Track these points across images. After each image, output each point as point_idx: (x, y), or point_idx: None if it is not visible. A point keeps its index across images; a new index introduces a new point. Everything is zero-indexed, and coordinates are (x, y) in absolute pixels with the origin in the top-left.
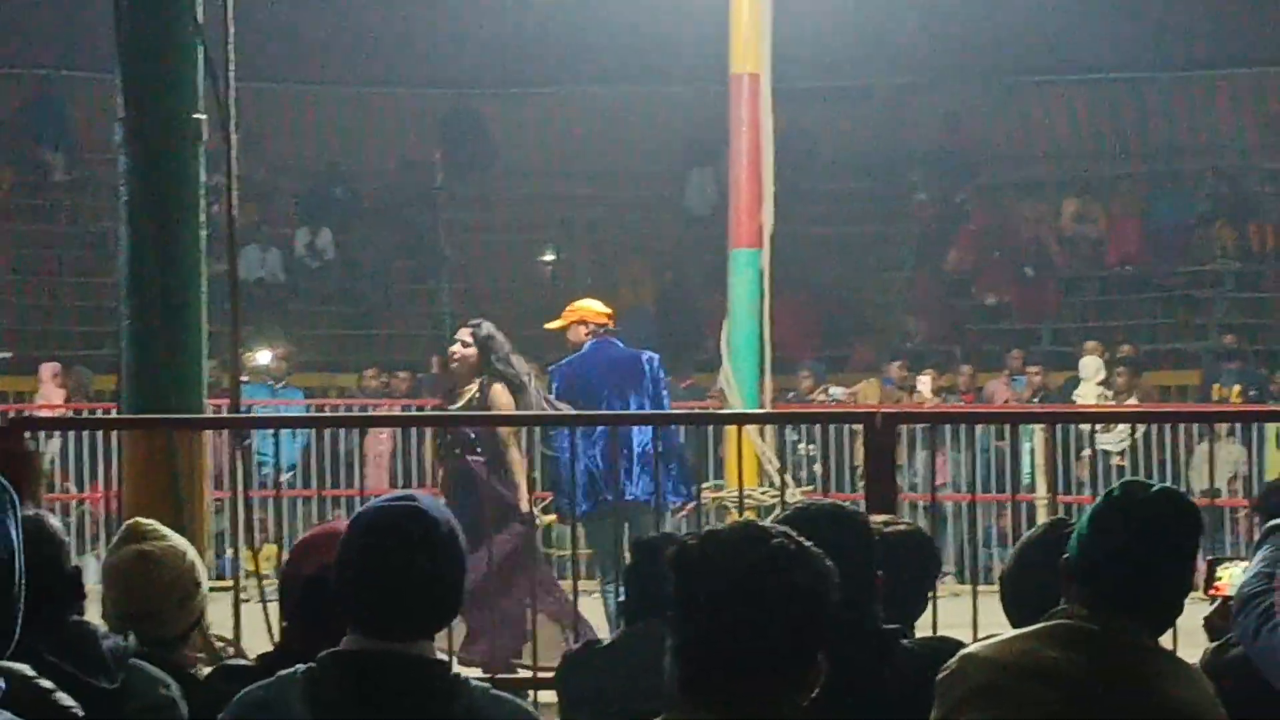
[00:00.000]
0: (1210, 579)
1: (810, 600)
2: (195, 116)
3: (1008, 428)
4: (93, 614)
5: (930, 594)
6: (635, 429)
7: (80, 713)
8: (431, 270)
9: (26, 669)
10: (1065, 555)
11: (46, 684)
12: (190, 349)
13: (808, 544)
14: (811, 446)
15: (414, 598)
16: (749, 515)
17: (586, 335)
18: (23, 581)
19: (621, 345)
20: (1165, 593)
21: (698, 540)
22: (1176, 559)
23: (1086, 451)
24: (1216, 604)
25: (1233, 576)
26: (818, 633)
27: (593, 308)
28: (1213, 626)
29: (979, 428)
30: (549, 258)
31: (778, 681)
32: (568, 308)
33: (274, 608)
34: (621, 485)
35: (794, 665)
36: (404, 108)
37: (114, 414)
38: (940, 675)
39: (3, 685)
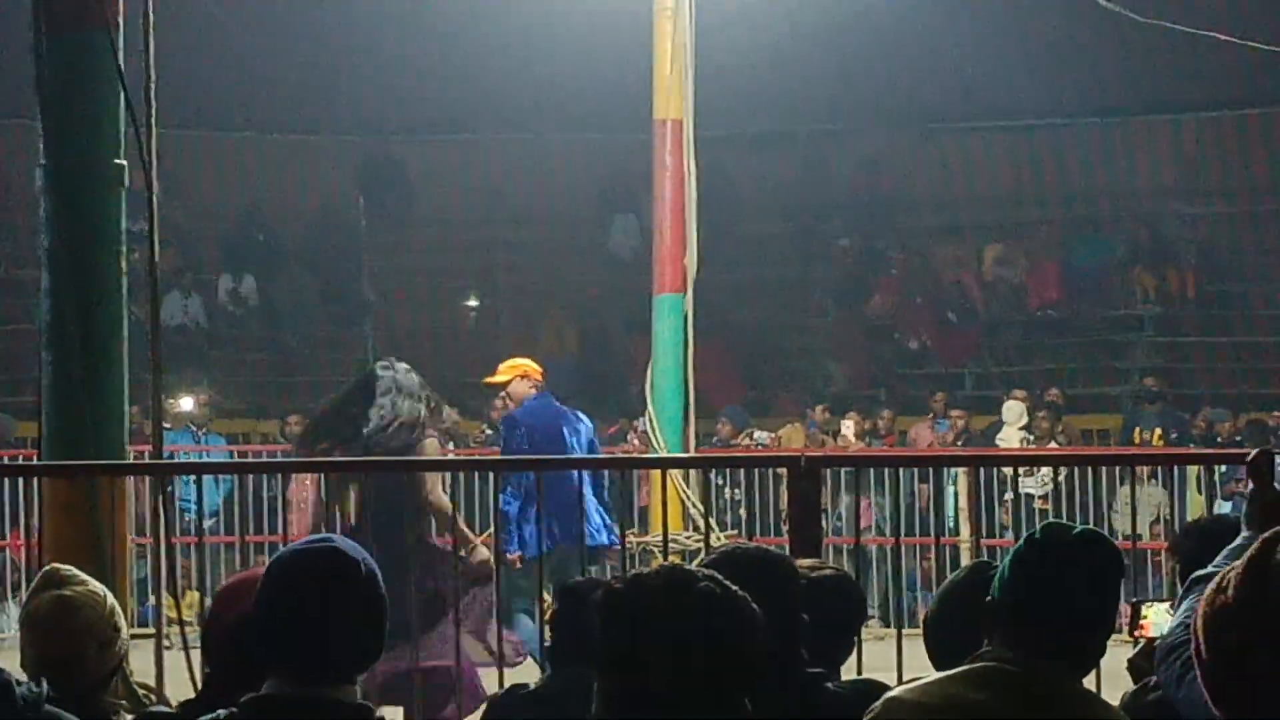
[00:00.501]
0: (1135, 620)
1: (736, 644)
2: (117, 162)
3: (931, 471)
4: (11, 661)
5: (856, 638)
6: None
7: None
8: (354, 315)
9: None
10: (988, 597)
11: None
12: (112, 395)
13: (733, 588)
14: (736, 490)
15: (333, 642)
16: (674, 559)
17: (530, 389)
18: None
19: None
20: (1087, 634)
21: (623, 585)
22: (1098, 600)
23: (1009, 495)
24: (1140, 645)
25: (1157, 615)
26: (745, 676)
27: (532, 365)
28: (1137, 668)
29: (903, 471)
30: (472, 303)
31: None
32: (506, 364)
33: (196, 655)
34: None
35: (721, 709)
36: (324, 153)
37: (34, 460)
38: (865, 719)
39: None
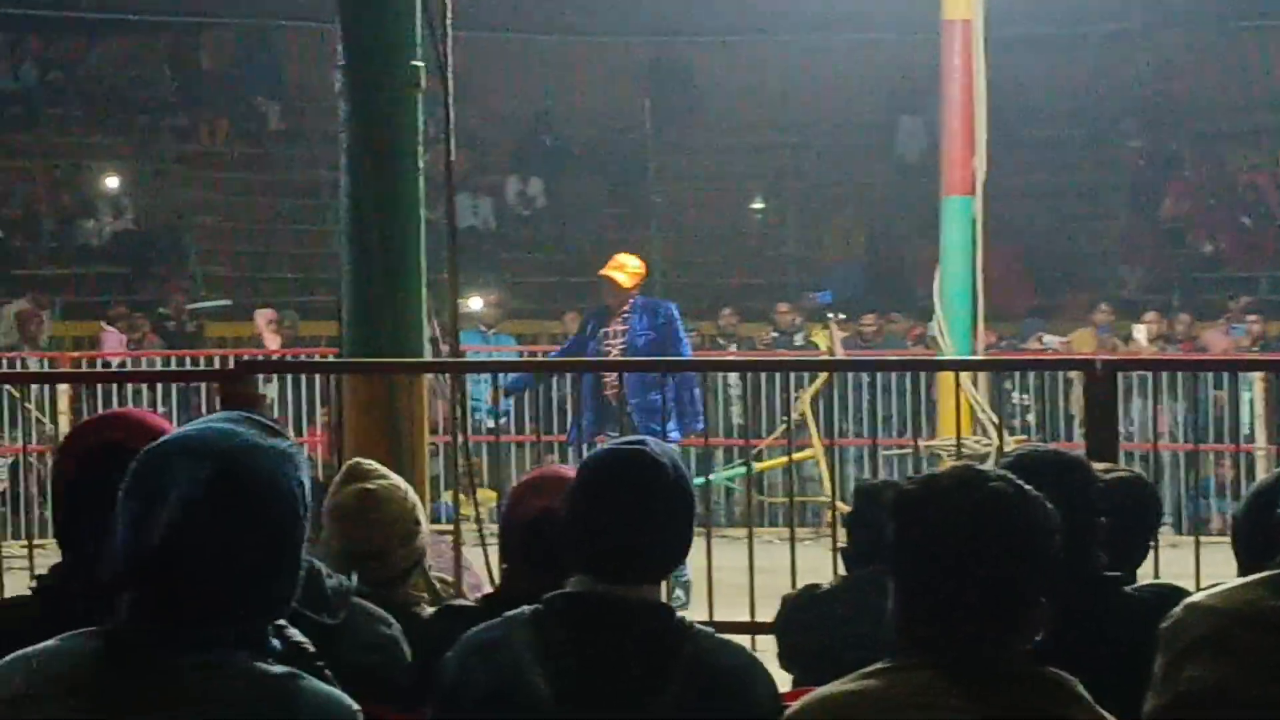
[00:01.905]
0: None
1: (1030, 543)
2: (414, 64)
3: (1227, 376)
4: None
5: (1152, 542)
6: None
7: (311, 648)
8: (640, 218)
9: None
10: None
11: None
12: (410, 295)
13: (1027, 487)
14: (1024, 396)
15: (644, 542)
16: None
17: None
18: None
19: None
20: None
21: (916, 485)
22: None
23: None
24: None
25: None
26: (1039, 576)
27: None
28: None
29: (1199, 376)
30: (758, 206)
31: (1000, 626)
32: (633, 267)
33: (493, 551)
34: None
35: (1016, 609)
36: (612, 57)
37: (332, 358)
38: (1164, 624)
39: (278, 645)
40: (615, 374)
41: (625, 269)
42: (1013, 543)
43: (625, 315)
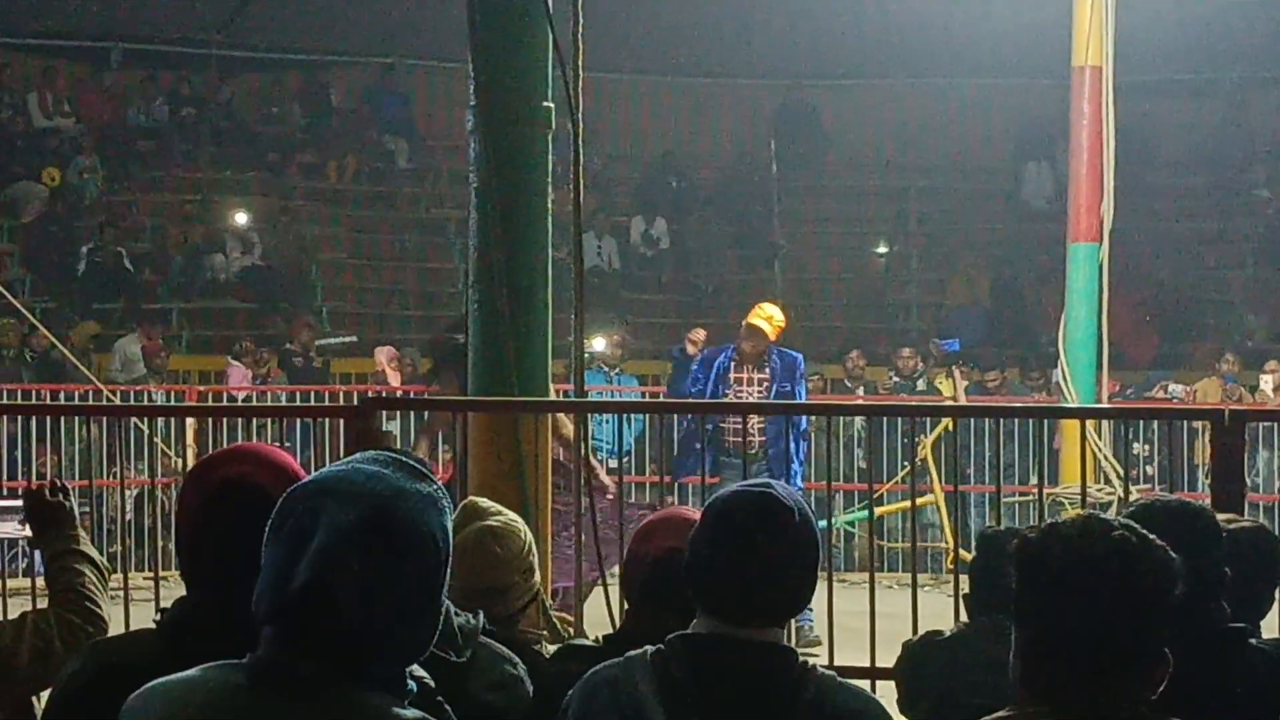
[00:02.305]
0: None
1: (1153, 594)
2: (545, 104)
3: None
4: None
5: (1274, 591)
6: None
7: (432, 684)
8: (764, 259)
9: None
10: None
11: None
12: (536, 333)
13: (1150, 536)
14: (1146, 445)
15: (768, 585)
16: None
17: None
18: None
19: None
20: None
21: (1039, 533)
22: None
23: None
24: None
25: None
26: (1162, 627)
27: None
28: None
29: None
30: (882, 249)
31: (1122, 676)
32: (777, 318)
33: (613, 590)
34: None
35: (1139, 660)
36: (738, 99)
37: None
38: None
39: (414, 687)
40: (741, 419)
41: (772, 320)
42: (1135, 593)
43: (764, 363)
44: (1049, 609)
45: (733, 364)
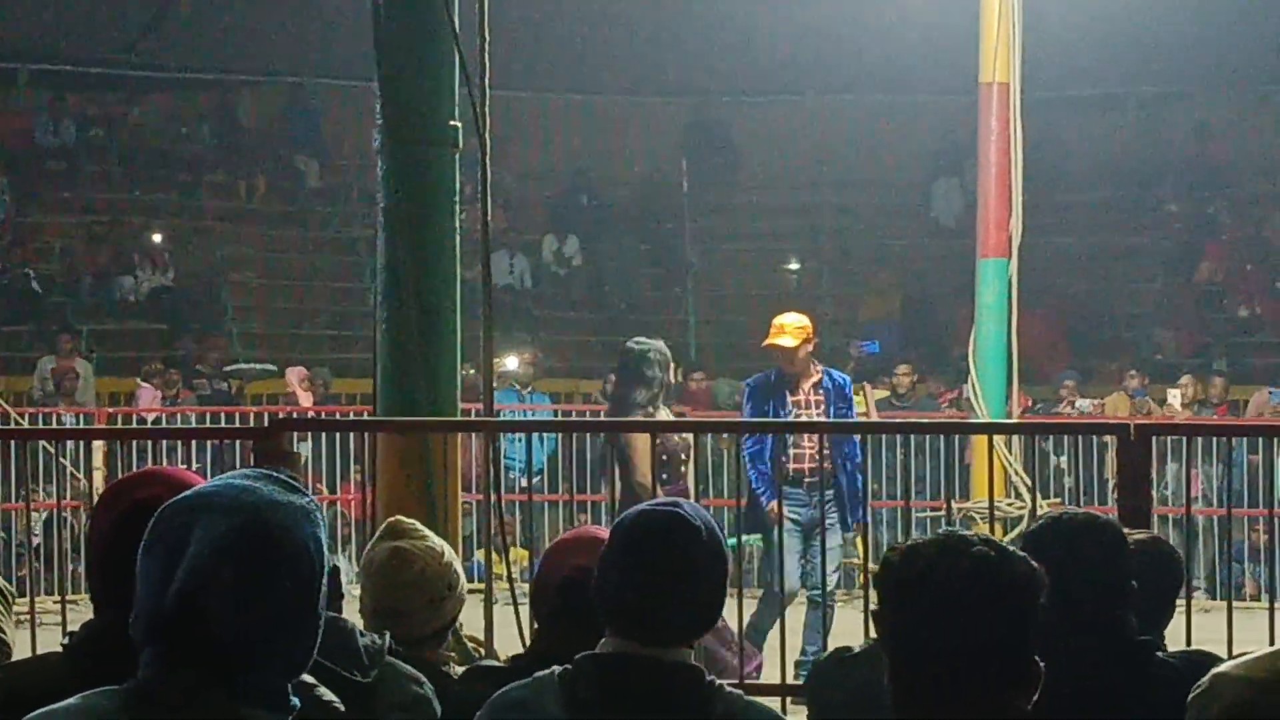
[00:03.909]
0: None
1: (1015, 607)
2: (452, 124)
3: (1261, 441)
4: (347, 614)
5: (1174, 604)
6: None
7: (341, 707)
8: (677, 277)
9: None
10: None
11: (308, 679)
12: (444, 353)
13: (1011, 549)
14: (1060, 459)
15: (675, 604)
16: (997, 527)
17: (809, 353)
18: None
19: None
20: None
21: (900, 554)
22: None
23: None
24: None
25: None
26: (1027, 638)
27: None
28: None
29: (1233, 441)
30: (794, 266)
31: (991, 690)
32: (793, 324)
33: (524, 610)
34: None
35: (1007, 673)
36: (650, 116)
37: (365, 416)
38: (1192, 694)
39: (298, 704)
40: (807, 445)
41: (785, 329)
42: (996, 607)
43: (817, 384)
44: (915, 627)
45: (785, 386)
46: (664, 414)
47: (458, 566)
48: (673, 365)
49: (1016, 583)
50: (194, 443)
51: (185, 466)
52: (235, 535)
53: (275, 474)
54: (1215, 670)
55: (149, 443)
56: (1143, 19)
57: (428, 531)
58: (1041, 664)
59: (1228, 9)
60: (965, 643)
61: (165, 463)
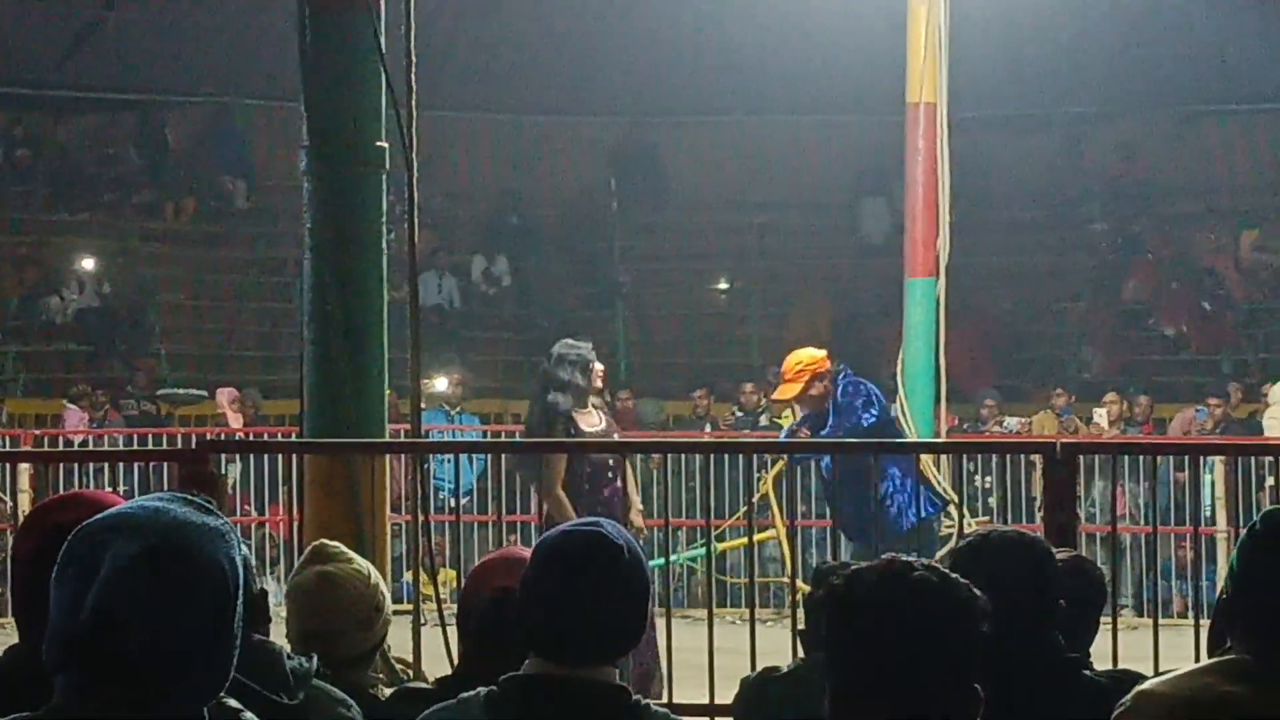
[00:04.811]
0: None
1: (956, 632)
2: (379, 144)
3: (1187, 459)
4: (277, 632)
5: (1099, 622)
6: None
7: None
8: (606, 297)
9: None
10: (1220, 594)
11: (233, 703)
12: (371, 374)
13: (953, 576)
14: (987, 478)
15: (598, 623)
16: None
17: (826, 386)
18: (243, 615)
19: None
20: None
21: (843, 579)
22: None
23: (1270, 482)
24: None
25: None
26: (969, 663)
27: (815, 355)
28: None
29: (1159, 459)
30: (723, 286)
31: (932, 715)
32: (792, 368)
33: (452, 631)
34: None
35: (947, 698)
36: (578, 136)
37: (294, 438)
38: (1117, 711)
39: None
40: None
41: (784, 377)
42: (937, 633)
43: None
44: (856, 652)
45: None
46: (593, 416)
47: (384, 589)
48: (600, 368)
49: (958, 607)
50: (121, 465)
51: (112, 489)
52: (148, 554)
53: (190, 496)
54: (1139, 688)
55: (76, 465)
56: (1068, 40)
57: (353, 554)
58: (981, 692)
59: (1152, 30)
60: (904, 667)
61: (93, 484)
